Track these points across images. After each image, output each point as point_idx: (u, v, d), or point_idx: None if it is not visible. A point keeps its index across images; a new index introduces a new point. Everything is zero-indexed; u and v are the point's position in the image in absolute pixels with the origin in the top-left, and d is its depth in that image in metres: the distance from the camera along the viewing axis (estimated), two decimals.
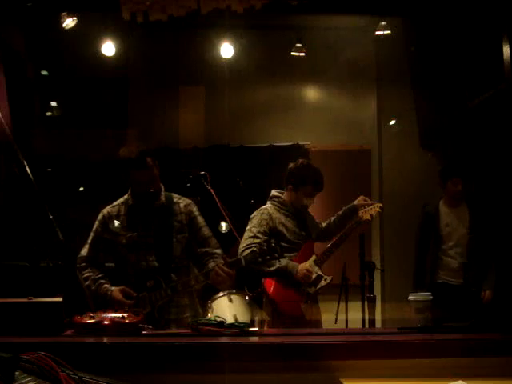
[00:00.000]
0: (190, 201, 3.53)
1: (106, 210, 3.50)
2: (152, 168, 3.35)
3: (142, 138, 6.08)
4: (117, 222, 3.44)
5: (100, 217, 3.49)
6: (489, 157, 4.52)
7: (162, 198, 3.45)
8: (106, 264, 3.56)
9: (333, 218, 4.31)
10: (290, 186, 4.17)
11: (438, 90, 5.45)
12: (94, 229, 3.50)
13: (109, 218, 3.45)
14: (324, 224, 4.32)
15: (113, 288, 3.39)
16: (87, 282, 3.43)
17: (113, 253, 3.47)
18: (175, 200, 3.48)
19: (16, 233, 4.43)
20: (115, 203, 3.52)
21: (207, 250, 3.45)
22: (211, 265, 3.32)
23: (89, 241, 3.51)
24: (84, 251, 3.51)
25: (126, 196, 3.52)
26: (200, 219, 3.49)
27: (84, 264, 3.49)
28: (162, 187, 3.49)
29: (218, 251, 3.49)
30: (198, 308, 3.62)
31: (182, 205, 3.47)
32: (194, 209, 3.50)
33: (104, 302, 3.37)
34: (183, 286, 3.30)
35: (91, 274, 3.46)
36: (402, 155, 6.18)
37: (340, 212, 4.28)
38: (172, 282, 3.34)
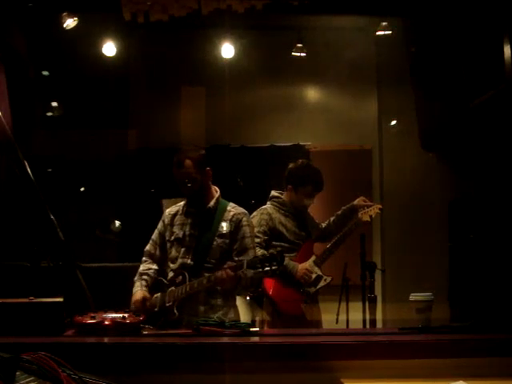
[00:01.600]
0: (244, 211, 3.61)
1: (168, 209, 3.69)
2: (189, 169, 3.46)
3: (142, 139, 6.10)
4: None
5: (164, 215, 3.67)
6: (490, 157, 4.52)
7: (212, 202, 3.54)
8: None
9: (332, 219, 4.31)
10: (290, 187, 4.17)
11: (439, 91, 5.45)
12: (158, 226, 3.67)
13: (168, 217, 3.62)
14: (324, 224, 4.33)
15: (140, 289, 3.49)
16: (137, 275, 3.58)
17: (166, 249, 3.62)
18: (228, 208, 3.57)
19: (17, 233, 4.44)
20: (179, 203, 3.67)
21: (245, 259, 3.47)
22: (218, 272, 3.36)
23: (152, 236, 3.68)
24: (147, 246, 3.67)
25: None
26: (247, 229, 3.55)
27: (144, 258, 3.65)
28: (216, 193, 3.59)
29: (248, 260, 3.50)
30: (234, 310, 3.58)
31: (232, 213, 3.55)
32: (244, 219, 3.56)
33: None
34: (198, 284, 3.35)
35: (143, 267, 3.60)
36: (402, 155, 6.18)
37: (339, 212, 4.29)
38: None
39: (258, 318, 4.30)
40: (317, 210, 4.37)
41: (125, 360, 2.09)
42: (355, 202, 4.25)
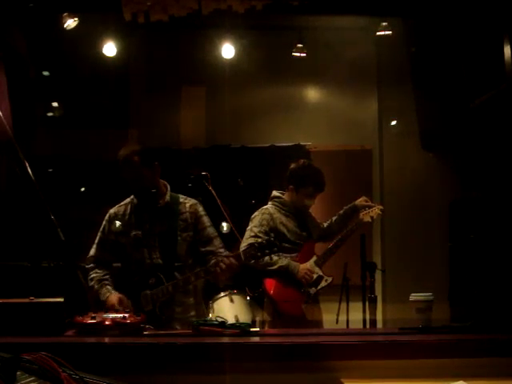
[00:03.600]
0: (196, 201, 3.57)
1: (112, 210, 3.56)
2: (139, 167, 3.39)
3: (142, 139, 6.09)
4: (118, 222, 3.48)
5: (106, 217, 3.55)
6: (490, 157, 4.52)
7: (167, 197, 3.49)
8: (114, 264, 3.57)
9: (334, 218, 4.31)
10: (291, 187, 4.17)
11: (440, 91, 5.45)
12: (101, 229, 3.54)
13: (115, 218, 3.51)
14: (325, 224, 4.33)
15: (112, 292, 3.40)
16: (92, 283, 3.46)
17: (119, 252, 3.50)
18: (181, 200, 3.53)
19: (17, 233, 4.44)
20: (122, 203, 3.57)
21: (212, 249, 3.47)
22: (213, 261, 3.33)
23: (96, 241, 3.55)
24: (92, 251, 3.55)
25: (132, 196, 3.56)
26: (205, 219, 3.53)
27: (92, 264, 3.52)
28: (166, 187, 3.54)
29: (222, 250, 3.50)
30: (203, 308, 3.64)
31: (187, 204, 3.51)
32: (200, 208, 3.54)
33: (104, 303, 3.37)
34: (184, 282, 3.31)
35: (97, 274, 3.49)
36: (403, 156, 6.18)
37: (341, 211, 4.29)
38: (174, 280, 3.35)
39: (258, 318, 4.30)
40: (317, 210, 4.37)
41: (125, 360, 2.09)
42: (357, 202, 4.25)
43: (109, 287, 3.43)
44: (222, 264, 3.22)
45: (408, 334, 2.49)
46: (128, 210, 3.51)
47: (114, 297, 3.35)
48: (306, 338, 2.43)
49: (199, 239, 3.48)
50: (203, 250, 3.46)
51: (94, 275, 3.48)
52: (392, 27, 5.55)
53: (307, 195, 4.15)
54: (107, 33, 5.47)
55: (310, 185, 4.13)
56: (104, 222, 3.54)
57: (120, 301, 3.33)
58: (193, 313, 3.45)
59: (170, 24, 4.48)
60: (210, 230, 3.52)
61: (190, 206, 3.51)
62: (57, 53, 5.77)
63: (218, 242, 3.51)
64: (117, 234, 3.49)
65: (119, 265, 3.58)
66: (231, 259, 3.22)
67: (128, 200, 3.56)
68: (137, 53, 6.23)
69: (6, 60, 4.32)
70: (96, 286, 3.44)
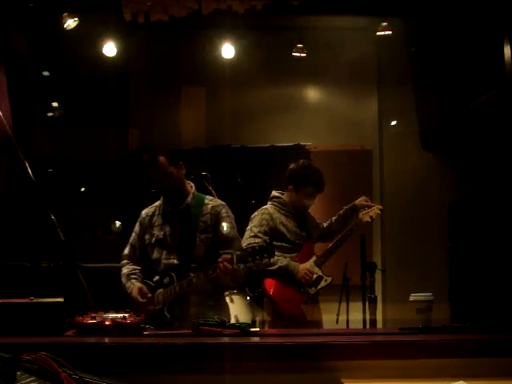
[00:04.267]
0: (221, 202, 3.58)
1: (144, 211, 3.63)
2: (163, 166, 3.42)
3: (142, 139, 6.10)
4: (147, 223, 3.52)
5: (140, 217, 3.62)
6: (490, 157, 4.52)
7: (189, 198, 3.51)
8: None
9: (334, 218, 4.31)
10: (291, 187, 4.17)
11: (440, 91, 5.45)
12: (134, 229, 3.62)
13: (145, 218, 3.58)
14: (325, 224, 4.33)
15: (136, 284, 3.46)
16: (122, 278, 3.54)
17: (147, 251, 3.56)
18: (206, 201, 3.54)
19: (17, 233, 4.44)
20: (154, 204, 3.62)
21: (229, 251, 3.45)
22: (213, 265, 3.32)
23: (130, 240, 3.63)
24: (125, 250, 3.63)
25: (161, 197, 3.62)
26: (227, 220, 3.51)
27: (124, 261, 3.61)
28: (191, 188, 3.56)
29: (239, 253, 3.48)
30: (223, 309, 3.57)
31: (210, 206, 3.52)
32: (223, 210, 3.52)
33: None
34: (187, 284, 3.32)
35: (127, 270, 3.56)
36: (403, 156, 6.18)
37: (341, 212, 4.29)
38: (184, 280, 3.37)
39: (258, 318, 4.31)
40: (317, 210, 4.37)
41: (125, 360, 2.09)
42: (357, 202, 4.25)
43: (134, 281, 3.49)
44: (221, 268, 3.21)
45: (408, 334, 2.49)
46: (157, 211, 3.57)
47: (135, 288, 3.42)
48: (306, 338, 2.43)
49: (219, 241, 3.48)
50: (222, 252, 3.45)
51: (125, 271, 3.57)
52: (392, 27, 5.55)
53: (307, 195, 4.14)
54: (107, 33, 5.48)
55: (310, 185, 4.13)
56: (137, 223, 3.62)
57: (140, 291, 3.39)
58: (210, 313, 3.40)
59: (170, 24, 4.48)
60: (230, 232, 3.51)
61: (212, 207, 3.51)
62: (57, 53, 5.77)
63: (236, 244, 3.49)
64: (145, 233, 3.55)
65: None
66: (225, 263, 3.21)
67: (160, 201, 3.60)
68: (137, 53, 6.23)
69: (6, 60, 4.32)
70: (124, 281, 3.53)
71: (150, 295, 3.40)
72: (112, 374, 1.69)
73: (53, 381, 1.43)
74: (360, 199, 4.27)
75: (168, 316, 3.35)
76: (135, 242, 3.60)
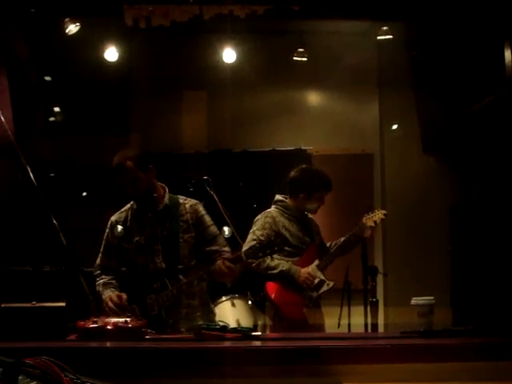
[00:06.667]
0: (196, 201, 3.57)
1: (113, 218, 3.56)
2: (132, 171, 3.39)
3: (143, 144, 6.10)
4: (120, 227, 3.48)
5: (109, 224, 3.55)
6: (491, 160, 4.52)
7: (165, 200, 3.48)
8: (122, 269, 3.58)
9: (337, 242, 4.26)
10: (303, 195, 4.14)
11: (440, 94, 5.46)
12: (104, 237, 3.55)
13: (116, 225, 3.51)
14: (329, 244, 4.29)
15: (113, 291, 3.40)
16: (98, 288, 3.48)
17: (124, 258, 3.51)
18: (181, 201, 3.52)
19: (19, 238, 4.45)
20: (122, 209, 3.57)
21: (216, 248, 3.47)
22: (215, 264, 3.33)
23: (101, 249, 3.56)
24: (98, 260, 3.56)
25: (131, 202, 3.57)
26: (207, 218, 3.52)
27: (98, 272, 3.54)
28: (165, 189, 3.53)
29: (226, 249, 3.49)
30: (210, 308, 3.62)
31: (187, 205, 3.50)
32: (201, 208, 3.53)
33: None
34: (188, 285, 3.32)
35: (103, 279, 3.50)
36: (404, 159, 6.18)
37: (343, 238, 4.23)
38: (178, 283, 3.36)
39: (260, 323, 4.30)
40: (318, 213, 4.37)
41: (127, 364, 2.09)
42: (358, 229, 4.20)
43: (113, 289, 3.44)
44: (222, 269, 3.22)
45: (410, 337, 2.49)
46: (129, 216, 3.52)
47: (113, 294, 3.35)
48: (308, 342, 2.43)
49: (203, 239, 3.48)
50: (207, 249, 3.46)
51: (101, 281, 3.50)
52: (393, 31, 5.56)
53: (319, 199, 4.16)
54: (109, 38, 5.48)
55: (322, 188, 4.15)
56: (107, 230, 3.55)
57: (119, 297, 3.32)
58: (199, 313, 3.44)
59: (172, 29, 4.49)
60: (213, 229, 3.52)
61: (190, 206, 3.50)
62: (59, 58, 5.78)
63: (221, 240, 3.51)
64: (120, 240, 3.49)
65: (125, 269, 3.59)
66: (228, 263, 3.22)
67: (128, 206, 3.56)
68: (138, 58, 6.24)
69: (8, 65, 4.34)
70: (101, 290, 3.46)
71: (126, 304, 3.31)
72: (114, 379, 1.69)
73: None
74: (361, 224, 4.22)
75: (170, 321, 3.33)
76: (108, 250, 3.53)
